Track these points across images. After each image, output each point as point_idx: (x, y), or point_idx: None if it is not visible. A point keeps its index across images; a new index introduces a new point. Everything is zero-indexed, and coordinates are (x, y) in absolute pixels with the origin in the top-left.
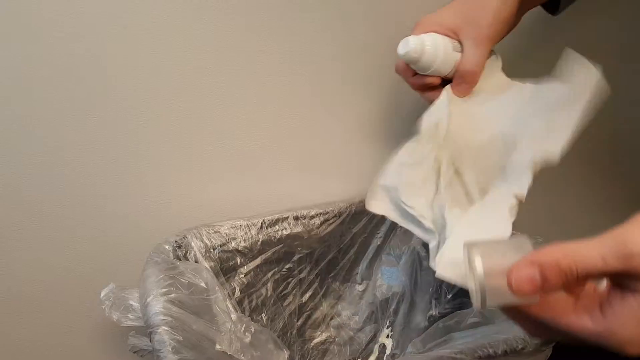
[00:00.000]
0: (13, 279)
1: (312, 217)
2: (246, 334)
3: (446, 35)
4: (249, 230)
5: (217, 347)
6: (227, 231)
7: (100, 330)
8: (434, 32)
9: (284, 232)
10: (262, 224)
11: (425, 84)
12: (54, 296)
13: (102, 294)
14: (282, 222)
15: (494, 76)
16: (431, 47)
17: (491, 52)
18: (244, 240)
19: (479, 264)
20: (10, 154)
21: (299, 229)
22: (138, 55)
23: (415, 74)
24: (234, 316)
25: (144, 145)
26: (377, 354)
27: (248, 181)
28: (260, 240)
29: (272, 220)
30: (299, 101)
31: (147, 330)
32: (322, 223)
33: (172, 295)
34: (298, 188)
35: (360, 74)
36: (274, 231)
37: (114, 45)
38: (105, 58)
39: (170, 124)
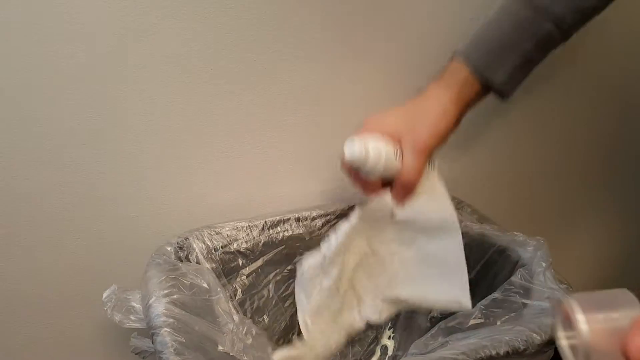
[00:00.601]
0: (14, 280)
1: (313, 219)
2: (248, 335)
3: (389, 140)
4: (251, 231)
5: (219, 348)
6: (228, 232)
7: (102, 332)
8: (378, 135)
9: (286, 234)
10: (263, 225)
11: (367, 183)
12: (56, 298)
13: (104, 295)
14: (284, 223)
15: (428, 183)
16: (374, 154)
17: (430, 160)
18: (246, 242)
19: (583, 324)
20: (10, 155)
21: (300, 230)
22: (138, 56)
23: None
24: (236, 317)
25: (145, 147)
26: (379, 355)
27: (249, 183)
28: (262, 241)
29: (274, 222)
30: (301, 103)
31: (149, 332)
32: (323, 224)
33: (174, 296)
34: (299, 189)
35: (362, 75)
36: (276, 232)
37: (114, 46)
38: (104, 58)
39: (172, 126)
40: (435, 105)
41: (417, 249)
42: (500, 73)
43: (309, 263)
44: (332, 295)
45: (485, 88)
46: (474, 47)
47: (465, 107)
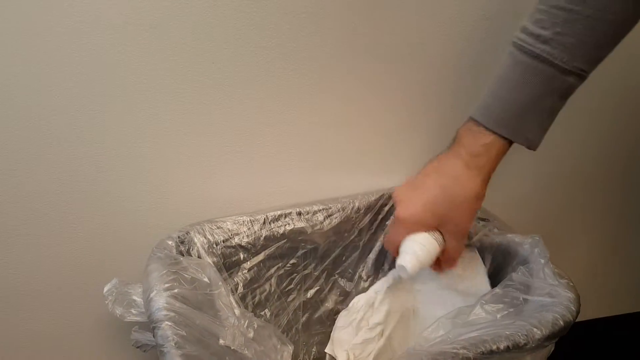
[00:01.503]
0: (16, 274)
1: (315, 213)
2: (249, 329)
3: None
4: (252, 225)
5: (221, 342)
6: (230, 227)
7: (103, 326)
8: (418, 231)
9: (287, 228)
10: (265, 219)
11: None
12: (57, 291)
13: (105, 289)
14: (285, 217)
15: (469, 262)
16: (425, 260)
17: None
18: (247, 236)
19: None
20: (10, 149)
21: (302, 224)
22: (139, 51)
23: None
24: (237, 311)
25: (146, 141)
26: None
27: (251, 177)
28: (264, 235)
29: (275, 216)
30: (300, 97)
31: (150, 326)
32: (325, 218)
33: (175, 290)
34: (301, 184)
35: (363, 69)
36: (277, 226)
37: (116, 42)
38: (106, 54)
39: (173, 119)
40: (468, 192)
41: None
42: (531, 134)
43: (360, 300)
44: (378, 334)
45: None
46: (499, 114)
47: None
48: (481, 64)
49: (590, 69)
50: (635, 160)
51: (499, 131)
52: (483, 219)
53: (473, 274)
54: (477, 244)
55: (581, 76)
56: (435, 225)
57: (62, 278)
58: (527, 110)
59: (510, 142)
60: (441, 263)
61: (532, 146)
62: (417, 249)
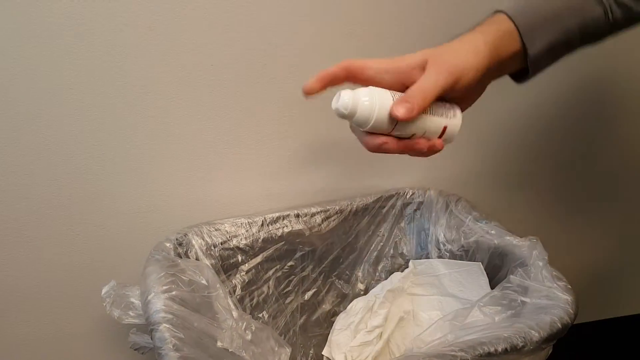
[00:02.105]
0: (13, 275)
1: (313, 215)
2: (247, 331)
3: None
4: (250, 227)
5: (219, 344)
6: (228, 229)
7: (101, 328)
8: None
9: (285, 230)
10: (263, 221)
11: (377, 144)
12: (54, 293)
13: (103, 291)
14: (283, 219)
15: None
16: (363, 107)
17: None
18: (245, 238)
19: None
20: (10, 151)
21: (300, 226)
22: (139, 52)
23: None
24: (235, 313)
25: (145, 143)
26: None
27: (249, 179)
28: (262, 237)
29: (273, 218)
30: (299, 99)
31: (148, 328)
32: (323, 220)
33: (173, 292)
34: (299, 186)
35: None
36: (275, 229)
37: (114, 43)
38: (106, 55)
39: (172, 121)
40: (465, 44)
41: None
42: (538, 43)
43: (359, 303)
44: (376, 337)
45: (519, 55)
46: (521, 8)
47: (497, 62)
48: None
49: (622, 16)
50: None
51: (514, 19)
52: (480, 221)
53: (475, 286)
54: (474, 244)
55: (608, 16)
56: (411, 68)
57: (60, 280)
58: (546, 19)
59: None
60: (403, 99)
61: (529, 67)
62: (363, 90)
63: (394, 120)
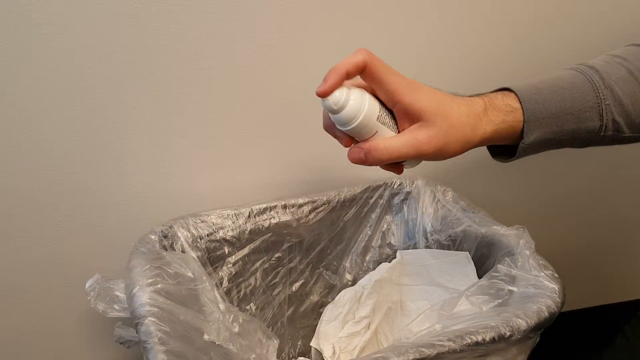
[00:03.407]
0: None
1: (300, 206)
2: (234, 323)
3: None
4: (237, 219)
5: (205, 337)
6: (214, 220)
7: (86, 322)
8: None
9: (273, 221)
10: (250, 213)
11: (338, 136)
12: (38, 287)
13: (87, 284)
14: (271, 210)
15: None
16: (352, 107)
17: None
18: (232, 230)
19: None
20: None
21: (287, 217)
22: (122, 46)
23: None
24: (222, 306)
25: (129, 135)
26: None
27: (235, 170)
28: (249, 229)
29: (260, 209)
30: (286, 91)
31: (133, 321)
32: (310, 211)
33: (159, 285)
34: (286, 176)
35: None
36: (262, 220)
37: (99, 35)
38: (89, 48)
39: (156, 113)
40: (466, 127)
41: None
42: (532, 136)
43: (347, 294)
44: (364, 328)
45: (511, 141)
46: (533, 97)
47: (485, 143)
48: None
49: (612, 131)
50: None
51: (526, 110)
52: (468, 211)
53: (462, 276)
54: (461, 234)
55: (601, 131)
56: (421, 110)
57: (43, 273)
58: (550, 119)
59: (521, 130)
60: (369, 145)
61: (521, 149)
62: (355, 93)
63: (368, 133)
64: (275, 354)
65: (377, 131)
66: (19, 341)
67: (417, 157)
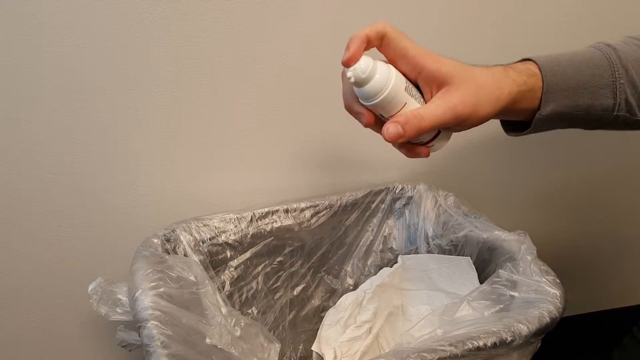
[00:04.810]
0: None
1: (302, 210)
2: (236, 327)
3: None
4: (239, 223)
5: (207, 340)
6: (216, 224)
7: (88, 325)
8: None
9: (275, 225)
10: (252, 217)
11: (359, 112)
12: (40, 290)
13: (90, 288)
14: (273, 214)
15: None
16: (381, 77)
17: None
18: (234, 234)
19: None
20: None
21: (289, 221)
22: (126, 49)
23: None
24: (224, 310)
25: (131, 139)
26: None
27: (238, 174)
28: (251, 233)
29: (262, 213)
30: (288, 94)
31: (135, 325)
32: (312, 215)
33: (161, 289)
34: (288, 181)
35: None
36: (264, 224)
37: (100, 40)
38: (90, 51)
39: (158, 117)
40: (492, 86)
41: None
42: (549, 107)
43: (348, 299)
44: (365, 332)
45: (528, 112)
46: (553, 68)
47: (508, 111)
48: None
49: (624, 113)
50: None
51: (546, 80)
52: (469, 216)
53: (464, 281)
54: (463, 239)
55: (614, 110)
56: (440, 76)
57: (45, 277)
58: (567, 91)
59: (540, 100)
60: (402, 119)
61: (536, 121)
62: (381, 65)
63: (397, 106)
64: (276, 358)
65: (405, 103)
66: (22, 344)
67: (454, 121)
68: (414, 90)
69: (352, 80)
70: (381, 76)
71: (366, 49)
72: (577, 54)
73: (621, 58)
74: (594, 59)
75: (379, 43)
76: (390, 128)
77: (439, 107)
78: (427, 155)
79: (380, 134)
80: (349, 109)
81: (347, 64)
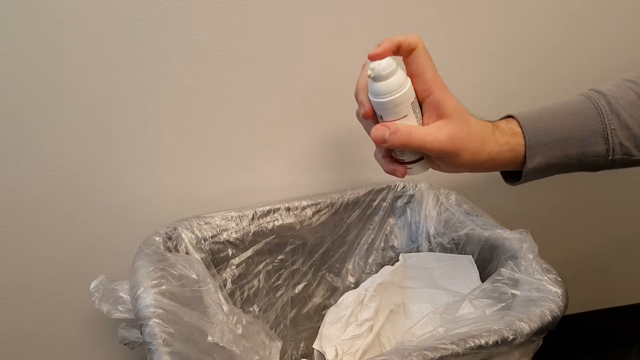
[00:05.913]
0: (1, 270)
1: (304, 208)
2: (238, 325)
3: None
4: (241, 221)
5: (209, 338)
6: (218, 222)
7: (90, 323)
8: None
9: (276, 223)
10: (253, 215)
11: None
12: (43, 288)
13: (92, 285)
14: (274, 213)
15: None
16: (398, 78)
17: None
18: (236, 232)
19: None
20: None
21: (291, 219)
22: (122, 46)
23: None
24: (225, 308)
25: (133, 137)
26: None
27: (239, 172)
28: (252, 231)
29: (264, 212)
30: (290, 93)
31: (137, 323)
32: (314, 214)
33: (163, 287)
34: (289, 179)
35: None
36: (266, 222)
37: (98, 38)
38: (89, 50)
39: (160, 114)
40: (482, 131)
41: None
42: (536, 160)
43: (349, 297)
44: (366, 330)
45: (517, 165)
46: (534, 123)
47: (493, 167)
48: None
49: (620, 155)
50: None
51: (527, 134)
52: (471, 214)
53: (465, 279)
54: (464, 237)
55: (608, 154)
56: (446, 111)
57: (47, 275)
58: (553, 143)
59: (524, 155)
60: (394, 127)
61: (526, 173)
62: (401, 71)
63: (398, 114)
64: (278, 356)
65: (406, 115)
66: (23, 342)
67: (438, 152)
68: (418, 109)
69: (372, 74)
70: (397, 81)
71: (394, 53)
72: (562, 104)
73: (611, 104)
74: (580, 108)
75: (407, 54)
76: (379, 129)
77: (430, 134)
78: (403, 175)
79: (368, 132)
80: (356, 96)
81: (374, 57)
